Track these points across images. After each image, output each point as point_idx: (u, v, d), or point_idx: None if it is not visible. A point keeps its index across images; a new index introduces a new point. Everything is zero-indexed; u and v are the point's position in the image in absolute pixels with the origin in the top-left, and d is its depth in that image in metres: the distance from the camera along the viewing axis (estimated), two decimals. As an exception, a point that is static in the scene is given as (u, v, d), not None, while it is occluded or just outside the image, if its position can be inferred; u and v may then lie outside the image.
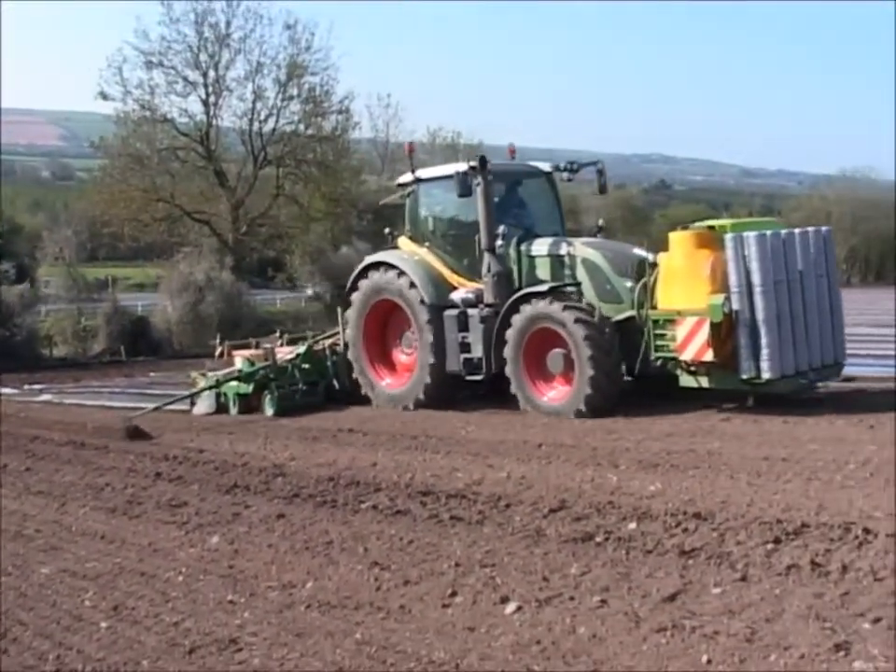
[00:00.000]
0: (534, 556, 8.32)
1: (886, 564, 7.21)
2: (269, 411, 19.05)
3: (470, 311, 17.63)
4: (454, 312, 17.81)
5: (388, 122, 67.62)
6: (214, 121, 48.07)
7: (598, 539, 8.54)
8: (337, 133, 50.54)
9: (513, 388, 16.78)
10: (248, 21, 47.44)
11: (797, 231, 15.46)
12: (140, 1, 50.04)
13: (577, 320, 15.76)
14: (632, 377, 16.45)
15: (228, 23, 47.22)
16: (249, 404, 19.53)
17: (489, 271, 17.36)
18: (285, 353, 20.17)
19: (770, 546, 7.85)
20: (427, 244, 18.94)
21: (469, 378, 17.77)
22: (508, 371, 16.77)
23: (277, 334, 22.80)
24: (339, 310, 20.34)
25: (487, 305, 17.40)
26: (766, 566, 7.49)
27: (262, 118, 48.42)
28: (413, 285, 18.14)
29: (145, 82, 46.34)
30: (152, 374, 31.99)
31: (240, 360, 20.37)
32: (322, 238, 51.96)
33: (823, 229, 16.07)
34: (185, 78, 47.05)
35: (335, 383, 19.99)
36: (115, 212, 46.81)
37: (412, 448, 13.82)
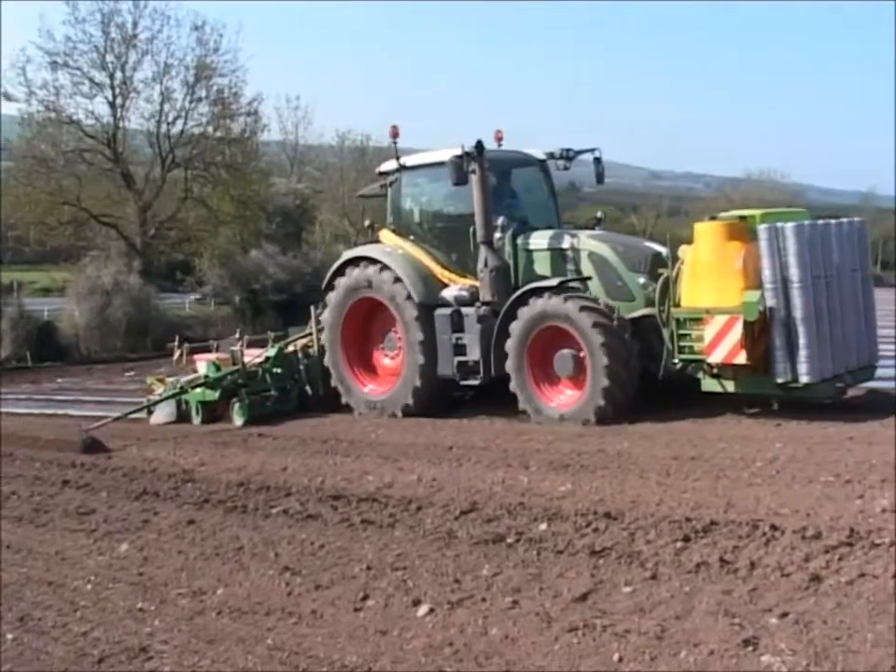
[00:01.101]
0: (445, 558, 8.32)
1: (792, 560, 7.33)
2: (238, 420, 17.46)
3: (465, 309, 16.28)
4: (446, 311, 16.42)
5: (297, 124, 67.60)
6: (121, 123, 47.62)
7: (509, 541, 8.56)
8: (246, 136, 50.37)
9: (513, 387, 15.44)
10: (155, 22, 47.07)
11: (833, 222, 14.41)
12: (44, 0, 49.26)
13: (595, 324, 14.48)
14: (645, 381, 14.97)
15: (135, 24, 46.80)
16: (213, 412, 18.04)
17: (486, 265, 16.03)
18: (253, 356, 18.67)
19: (679, 544, 7.93)
20: (412, 237, 17.61)
21: (463, 383, 16.50)
22: (508, 367, 15.43)
23: (237, 335, 21.02)
24: (312, 309, 19.03)
25: (484, 303, 16.12)
26: (676, 564, 7.57)
27: (170, 120, 48.08)
28: (399, 281, 16.77)
29: (49, 83, 45.69)
30: (59, 380, 31.56)
31: (203, 365, 18.95)
32: (231, 241, 51.60)
33: (856, 220, 14.97)
34: (91, 80, 46.52)
35: (308, 388, 18.54)
36: (20, 215, 46.20)
37: (322, 452, 13.73)
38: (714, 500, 9.19)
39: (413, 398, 16.70)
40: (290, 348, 18.97)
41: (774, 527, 8.01)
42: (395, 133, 17.78)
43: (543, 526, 8.80)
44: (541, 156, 18.09)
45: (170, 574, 8.71)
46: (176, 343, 21.18)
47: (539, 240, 16.41)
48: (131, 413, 17.95)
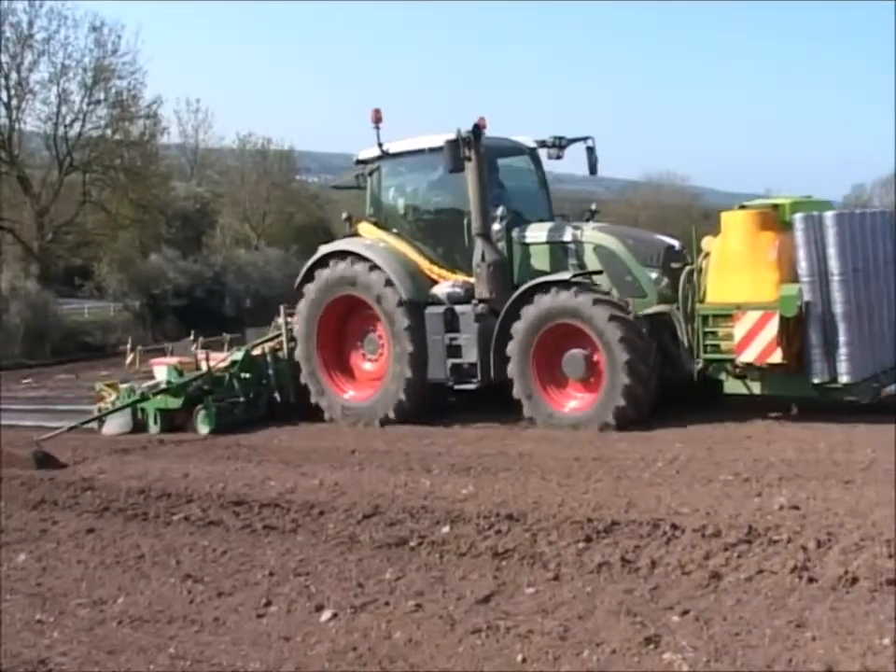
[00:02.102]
0: (348, 563, 8.28)
1: (693, 558, 7.41)
2: (203, 428, 16.36)
3: (459, 308, 15.16)
4: (438, 309, 15.27)
5: (197, 128, 66.95)
6: (16, 125, 46.87)
7: (412, 544, 8.55)
8: (145, 139, 49.99)
9: (517, 392, 14.38)
10: (52, 22, 46.44)
11: (868, 212, 13.77)
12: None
13: (612, 318, 13.52)
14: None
15: (30, 23, 46.12)
16: (173, 421, 16.94)
17: (483, 260, 14.80)
18: (217, 360, 17.35)
19: (581, 545, 7.97)
20: (395, 230, 16.39)
21: (458, 388, 15.38)
22: (512, 376, 14.35)
23: (191, 337, 20.12)
24: (280, 308, 17.83)
25: (481, 300, 14.98)
26: (578, 564, 7.61)
27: (68, 122, 47.45)
28: (384, 277, 15.55)
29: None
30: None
31: (162, 370, 17.72)
32: (131, 246, 51.05)
33: (887, 211, 14.36)
34: (-15, 80, 45.49)
35: (276, 395, 17.29)
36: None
37: (223, 458, 13.62)
38: (615, 500, 9.27)
39: (399, 403, 15.53)
40: (258, 351, 17.73)
41: (674, 526, 8.09)
42: (377, 118, 16.37)
43: (446, 529, 8.79)
44: (532, 144, 17.05)
45: (69, 584, 8.55)
46: (129, 346, 19.92)
47: (537, 232, 15.43)
48: (86, 422, 16.89)
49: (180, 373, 17.12)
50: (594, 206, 17.54)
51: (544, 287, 14.17)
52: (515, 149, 16.94)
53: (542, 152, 17.08)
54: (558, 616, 6.57)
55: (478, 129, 14.74)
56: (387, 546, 8.61)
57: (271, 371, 17.26)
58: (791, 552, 7.33)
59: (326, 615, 7.10)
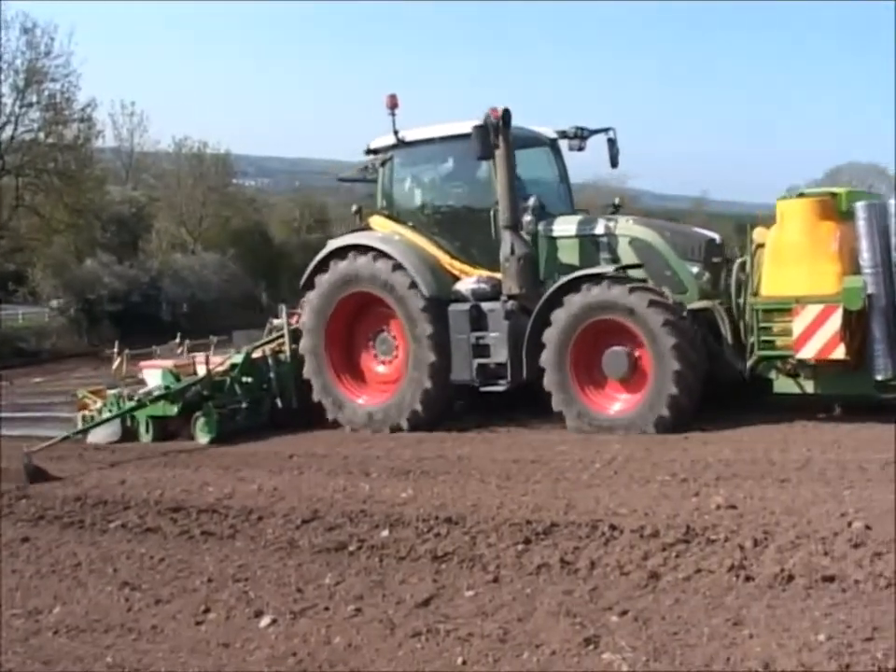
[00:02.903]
0: (287, 568, 8.24)
1: (631, 558, 7.45)
2: (203, 437, 15.35)
3: (486, 305, 14.41)
4: (463, 307, 14.49)
5: (132, 131, 66.34)
6: (-53, 129, 46.07)
7: (352, 548, 8.53)
8: (79, 142, 49.44)
9: (555, 401, 13.61)
10: (-19, 24, 45.52)
11: None
12: None
13: (667, 323, 12.77)
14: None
15: (-41, 26, 45.22)
16: (166, 429, 16.01)
17: (512, 253, 13.99)
18: (215, 363, 16.24)
19: (521, 547, 7.98)
20: (410, 223, 15.64)
21: (484, 389, 14.55)
22: (548, 378, 13.59)
23: (177, 340, 18.87)
24: (280, 307, 17.05)
25: (510, 297, 14.21)
26: (517, 566, 7.62)
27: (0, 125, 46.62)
28: (402, 272, 14.74)
29: None
30: None
31: (155, 374, 16.69)
32: (65, 250, 50.59)
33: None
34: (-89, 84, 44.84)
35: (278, 400, 16.33)
36: None
37: (161, 464, 13.51)
38: (554, 502, 9.30)
39: (417, 408, 14.74)
40: (258, 353, 16.64)
41: (613, 527, 8.13)
42: (393, 104, 15.51)
43: (385, 533, 8.78)
44: (552, 135, 16.29)
45: (4, 594, 8.42)
46: (116, 350, 18.26)
47: (565, 225, 14.70)
48: (79, 431, 16.01)
49: (177, 378, 16.16)
50: (617, 200, 16.87)
51: (576, 284, 13.48)
52: (535, 140, 16.14)
53: (563, 143, 16.50)
54: (498, 618, 6.58)
55: (507, 114, 13.96)
56: (326, 551, 8.58)
57: (272, 375, 16.40)
58: (728, 551, 7.39)
59: (265, 621, 7.05)
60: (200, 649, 6.73)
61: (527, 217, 14.40)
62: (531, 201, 14.52)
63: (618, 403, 13.43)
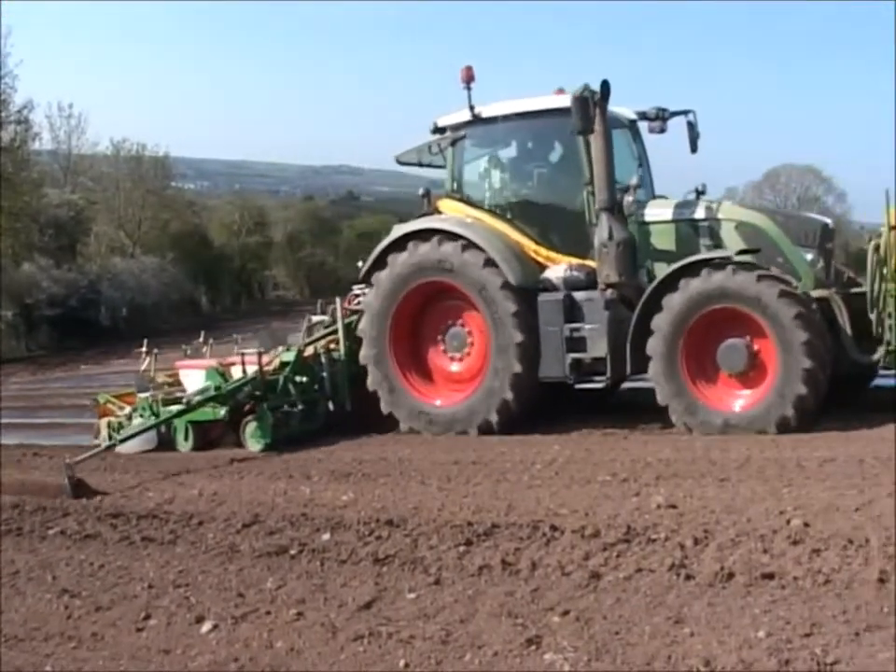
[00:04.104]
0: (228, 573, 8.18)
1: (572, 558, 7.47)
2: (255, 444, 13.89)
3: (580, 294, 13.34)
4: (555, 296, 13.41)
5: (70, 133, 65.60)
6: None
7: (293, 552, 8.48)
8: (16, 145, 48.85)
9: (662, 394, 12.69)
10: (-86, 26, 44.92)
11: None
12: None
13: (783, 294, 11.95)
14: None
15: None
16: (207, 435, 14.51)
17: (610, 238, 12.95)
18: (263, 362, 14.51)
19: (462, 548, 7.98)
20: (486, 207, 14.52)
21: (579, 387, 13.63)
22: (655, 368, 12.67)
23: (201, 339, 17.31)
24: (336, 301, 15.38)
25: (609, 285, 13.22)
26: (459, 568, 7.61)
27: (-66, 128, 46.03)
28: (485, 258, 13.59)
29: None
30: None
31: (196, 374, 15.22)
32: (2, 254, 49.96)
33: None
34: None
35: (329, 403, 14.88)
36: None
37: (100, 469, 13.33)
38: (495, 503, 9.31)
39: (507, 396, 13.54)
40: (310, 350, 15.16)
41: (554, 528, 8.15)
42: (469, 76, 14.30)
43: (326, 536, 8.74)
44: (632, 116, 14.97)
45: (-61, 604, 8.31)
46: (145, 349, 16.73)
47: (659, 210, 13.80)
48: (125, 439, 14.13)
49: (224, 377, 14.58)
50: (700, 186, 14.86)
51: (690, 270, 12.57)
52: (614, 121, 14.15)
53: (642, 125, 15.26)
54: (440, 620, 6.57)
55: (606, 86, 13.05)
56: (268, 555, 8.52)
57: (325, 374, 14.88)
58: (668, 550, 7.43)
59: (206, 626, 7.00)
60: (140, 655, 6.67)
61: (629, 198, 13.42)
62: (634, 179, 13.65)
63: (734, 400, 12.56)
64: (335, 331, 15.28)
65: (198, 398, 14.26)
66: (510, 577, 7.33)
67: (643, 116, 15.00)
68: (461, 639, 6.22)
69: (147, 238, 61.09)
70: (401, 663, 5.99)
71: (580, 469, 10.61)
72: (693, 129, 15.27)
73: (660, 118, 14.91)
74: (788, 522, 7.85)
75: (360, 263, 15.39)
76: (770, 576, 6.74)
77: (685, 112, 15.19)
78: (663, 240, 13.61)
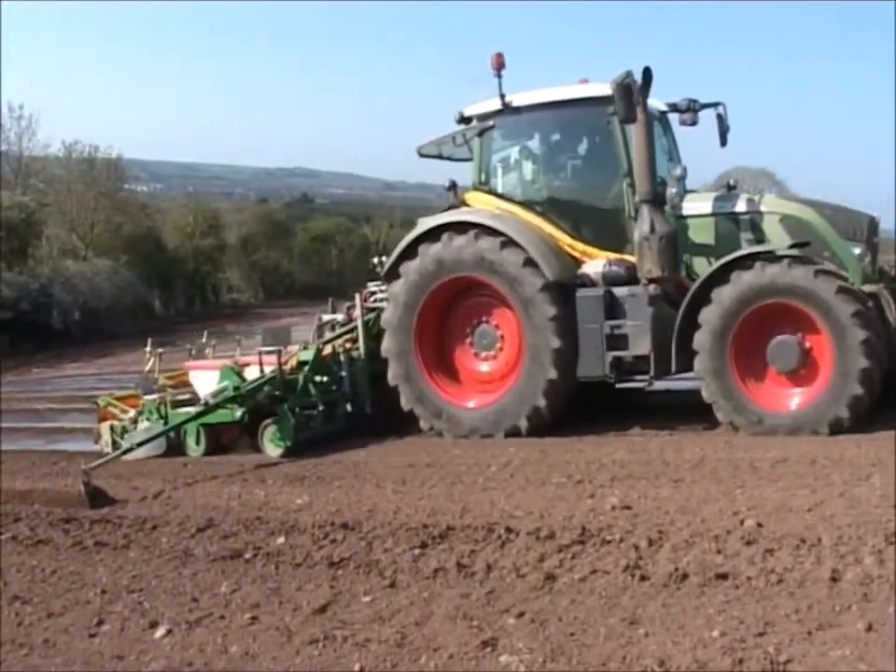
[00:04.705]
0: (183, 577, 8.13)
1: (527, 560, 7.48)
2: (275, 448, 13.20)
3: (620, 290, 12.88)
4: (594, 292, 12.95)
5: (21, 135, 65.10)
6: None
7: (247, 556, 8.44)
8: (-35, 147, 48.35)
9: (708, 391, 12.28)
10: None
11: None
12: None
13: (840, 290, 11.57)
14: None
15: None
16: (219, 439, 13.86)
17: (652, 231, 12.46)
18: (269, 361, 13.73)
19: (417, 551, 7.97)
20: (516, 200, 13.97)
21: (620, 386, 13.60)
22: (701, 363, 12.21)
23: (204, 338, 16.48)
24: (356, 297, 14.84)
25: (652, 280, 12.76)
26: (414, 570, 7.60)
27: None
28: (518, 252, 13.07)
29: None
30: None
31: (207, 376, 14.32)
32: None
33: None
34: None
35: (348, 405, 14.31)
36: None
37: (52, 474, 13.23)
38: (450, 506, 9.33)
39: (540, 403, 13.03)
40: (328, 349, 14.55)
41: (509, 530, 8.16)
42: (500, 63, 13.67)
43: (281, 540, 8.70)
44: (662, 107, 14.33)
45: None
46: (149, 349, 15.80)
47: (698, 203, 13.33)
48: (144, 442, 13.32)
49: (240, 377, 13.66)
50: (732, 181, 14.89)
51: (741, 263, 12.19)
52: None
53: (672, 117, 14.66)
54: (395, 623, 6.56)
55: (648, 73, 12.59)
56: (222, 559, 8.48)
57: (344, 374, 14.25)
58: (623, 551, 7.46)
59: (160, 631, 6.94)
60: (93, 662, 6.60)
61: (672, 190, 12.96)
62: (678, 170, 13.24)
63: (783, 399, 12.15)
64: (351, 330, 14.85)
65: (216, 398, 13.40)
66: (465, 579, 7.33)
67: (674, 107, 14.43)
68: (416, 642, 6.21)
69: (100, 241, 60.59)
70: (357, 666, 5.97)
71: (534, 472, 10.63)
72: (722, 122, 14.76)
73: (691, 109, 14.33)
74: (741, 522, 7.92)
75: (376, 259, 15.13)
76: (724, 576, 6.78)
77: (715, 105, 14.69)
78: (701, 234, 13.27)
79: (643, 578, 6.92)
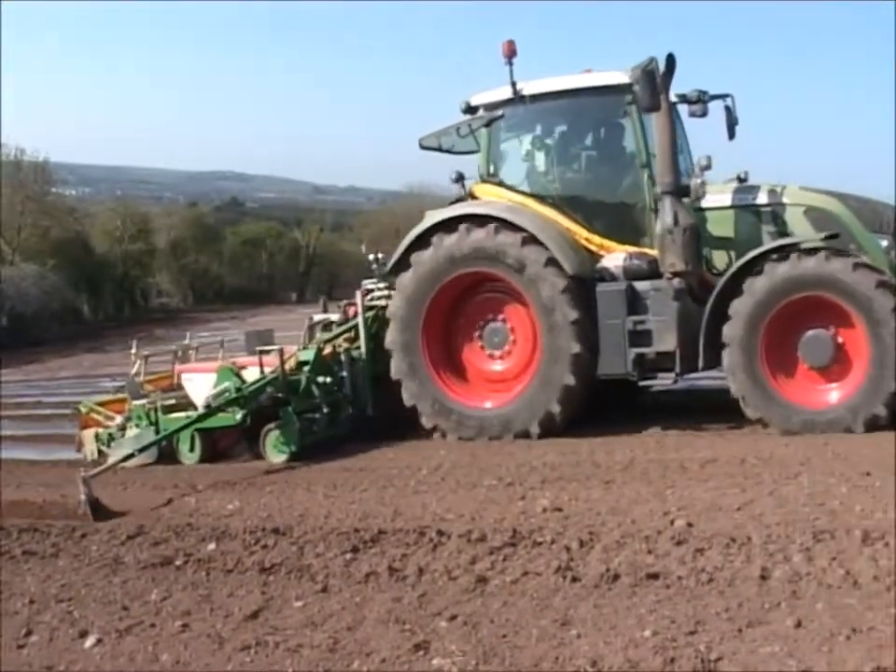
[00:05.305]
0: (113, 586, 8.04)
1: (459, 563, 7.48)
2: (278, 455, 12.62)
3: (643, 284, 12.50)
4: (616, 286, 12.55)
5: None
6: None
7: (178, 563, 8.36)
8: None
9: (737, 384, 11.93)
10: None
11: None
12: None
13: (880, 284, 11.23)
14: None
15: None
16: (216, 445, 13.30)
17: (676, 223, 12.09)
18: (271, 362, 13.08)
19: (349, 555, 7.95)
20: (527, 192, 13.53)
21: (644, 383, 13.42)
22: (731, 357, 11.84)
23: (187, 340, 15.88)
24: (357, 293, 14.31)
25: (676, 274, 12.34)
26: (346, 575, 7.58)
27: None
28: (538, 248, 12.64)
29: None
30: None
31: (201, 380, 13.47)
32: None
33: None
34: None
35: (349, 407, 13.69)
36: None
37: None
38: (382, 510, 9.31)
39: (554, 409, 12.61)
40: (328, 349, 13.93)
41: (440, 533, 8.17)
42: (511, 51, 13.18)
43: (212, 546, 8.65)
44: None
45: None
46: (135, 350, 15.05)
47: (717, 195, 12.90)
48: (145, 448, 12.61)
49: (238, 377, 12.88)
50: (742, 174, 13.77)
51: (774, 255, 11.89)
52: None
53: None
54: (327, 628, 6.53)
55: (672, 59, 12.30)
56: (152, 566, 8.40)
57: (345, 374, 13.69)
58: (554, 552, 7.48)
59: (90, 641, 6.86)
60: (21, 672, 6.53)
61: (697, 180, 12.54)
62: (704, 160, 12.68)
63: (816, 394, 11.83)
64: (349, 329, 14.35)
65: (217, 400, 12.65)
66: (397, 583, 7.32)
67: (683, 98, 13.65)
68: (349, 647, 6.19)
69: (27, 245, 59.97)
70: (289, 672, 5.96)
71: (466, 474, 10.64)
72: (730, 114, 14.19)
73: (701, 100, 13.61)
74: (672, 522, 7.97)
75: (371, 256, 14.87)
76: (655, 576, 6.82)
77: (723, 96, 14.16)
78: (721, 227, 12.90)
79: (575, 579, 6.95)
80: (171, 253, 70.30)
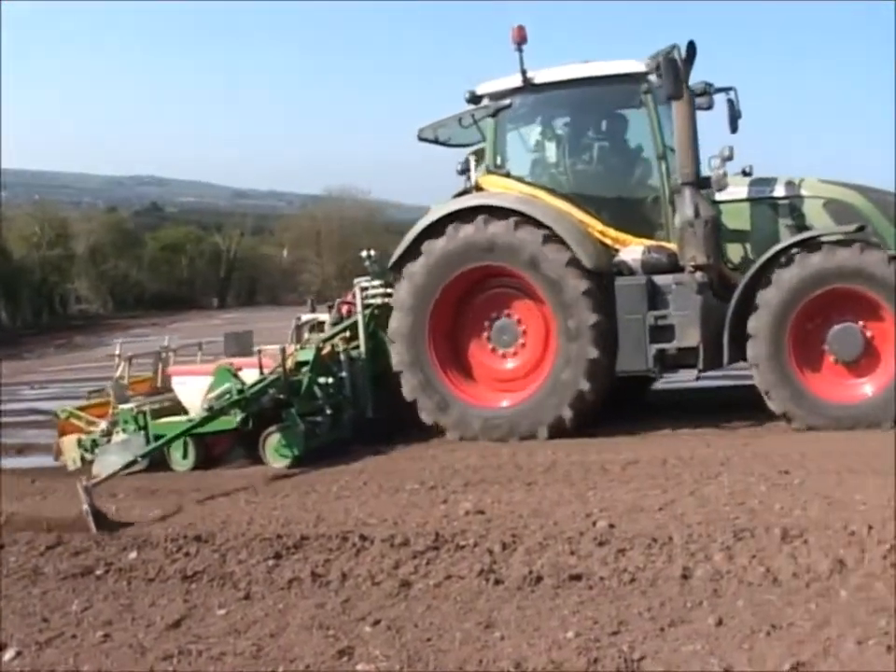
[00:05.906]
0: (32, 597, 7.93)
1: (382, 568, 7.48)
2: (281, 459, 12.01)
3: (664, 278, 12.16)
4: (635, 280, 12.23)
5: None
6: None
7: (99, 572, 8.25)
8: None
9: (761, 378, 11.64)
10: None
11: None
12: None
13: None
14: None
15: None
16: (210, 450, 12.65)
17: (697, 216, 11.74)
18: (268, 363, 12.52)
19: (271, 562, 7.91)
20: (537, 184, 13.05)
21: (664, 380, 13.16)
22: (755, 349, 11.59)
23: (166, 342, 15.04)
24: (356, 289, 13.81)
25: (697, 267, 11.97)
26: (269, 581, 7.55)
27: None
28: (558, 246, 12.21)
29: None
30: None
31: (194, 383, 12.91)
32: None
33: None
34: None
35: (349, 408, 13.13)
36: None
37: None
38: (304, 515, 9.27)
39: (566, 414, 12.24)
40: (327, 348, 13.27)
41: (363, 537, 8.14)
42: (521, 37, 12.64)
43: (133, 555, 8.53)
44: None
45: None
46: (118, 352, 14.33)
47: (733, 188, 12.49)
48: (147, 453, 11.98)
49: (236, 378, 12.24)
50: (748, 168, 13.37)
51: (803, 247, 11.69)
52: None
53: None
54: (250, 635, 6.50)
55: (692, 47, 11.93)
56: (73, 576, 8.27)
57: (345, 375, 13.10)
58: (477, 555, 7.50)
59: (9, 654, 6.74)
60: (-62, 689, 6.42)
61: (720, 171, 12.17)
62: (726, 150, 12.29)
63: (845, 389, 11.59)
64: (345, 329, 13.74)
65: (219, 402, 12.02)
66: (320, 589, 7.31)
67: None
68: (272, 653, 6.16)
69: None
70: (212, 680, 5.92)
71: (388, 479, 10.62)
72: (733, 107, 13.85)
73: (706, 93, 13.34)
74: (594, 524, 8.01)
75: (364, 253, 14.46)
76: (578, 577, 6.87)
77: (726, 89, 13.82)
78: (738, 219, 12.58)
79: (497, 581, 6.98)
80: (90, 259, 69.58)
